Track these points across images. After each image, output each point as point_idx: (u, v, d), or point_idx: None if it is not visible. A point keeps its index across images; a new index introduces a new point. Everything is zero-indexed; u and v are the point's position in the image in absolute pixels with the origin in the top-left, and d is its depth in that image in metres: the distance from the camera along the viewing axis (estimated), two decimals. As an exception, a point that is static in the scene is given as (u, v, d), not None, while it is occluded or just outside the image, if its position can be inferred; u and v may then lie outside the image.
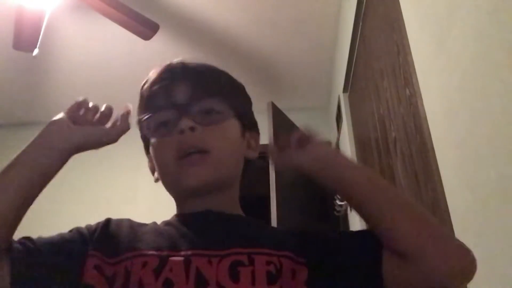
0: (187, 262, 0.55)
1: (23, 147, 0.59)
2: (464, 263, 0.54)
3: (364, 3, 1.90)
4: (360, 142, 2.29)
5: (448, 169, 1.01)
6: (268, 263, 0.56)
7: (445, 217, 1.00)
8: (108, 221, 0.64)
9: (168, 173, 0.65)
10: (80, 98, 0.64)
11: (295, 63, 2.99)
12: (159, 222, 0.67)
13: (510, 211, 0.73)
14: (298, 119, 2.83)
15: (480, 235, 0.84)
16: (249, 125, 0.72)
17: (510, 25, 0.71)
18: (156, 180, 0.69)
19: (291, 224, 2.21)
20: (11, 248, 0.55)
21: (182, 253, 0.57)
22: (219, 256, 0.56)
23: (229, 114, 0.67)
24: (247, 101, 0.75)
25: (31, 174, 0.57)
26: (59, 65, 2.93)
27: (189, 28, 2.65)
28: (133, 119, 0.68)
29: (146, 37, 2.31)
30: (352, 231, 0.69)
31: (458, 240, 0.57)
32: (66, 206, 3.12)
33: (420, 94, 1.16)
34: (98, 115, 0.64)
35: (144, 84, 0.70)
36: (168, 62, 0.71)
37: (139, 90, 0.71)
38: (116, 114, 0.65)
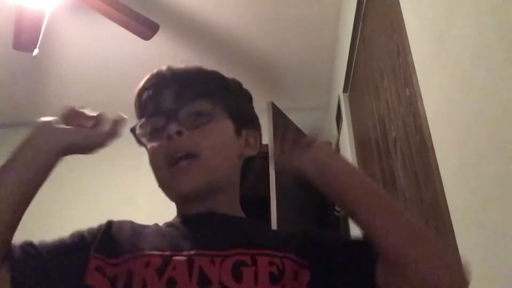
0: (190, 261, 0.55)
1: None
2: (455, 279, 0.53)
3: (364, 3, 1.90)
4: (360, 142, 2.29)
5: (448, 169, 1.01)
6: (271, 264, 0.56)
7: (445, 217, 1.00)
8: (109, 223, 0.64)
9: (161, 180, 0.65)
10: (76, 107, 0.63)
11: (295, 63, 2.99)
12: (159, 222, 0.67)
13: (510, 211, 0.73)
14: (298, 119, 2.83)
15: (480, 235, 0.84)
16: (246, 123, 0.71)
17: (510, 25, 0.71)
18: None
19: (291, 224, 2.21)
20: (11, 252, 0.55)
21: (185, 253, 0.57)
22: (221, 256, 0.56)
23: (218, 114, 0.66)
24: (243, 98, 0.74)
25: (21, 179, 0.56)
26: (59, 65, 2.93)
27: (189, 28, 2.65)
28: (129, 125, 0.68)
29: (146, 37, 2.31)
30: (349, 240, 0.67)
31: (453, 254, 0.56)
32: (66, 206, 3.12)
33: (420, 94, 1.16)
34: (91, 122, 0.63)
35: (137, 92, 0.70)
36: (157, 69, 0.70)
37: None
38: (109, 119, 0.64)
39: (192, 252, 0.57)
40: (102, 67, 2.98)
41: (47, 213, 3.12)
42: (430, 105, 1.11)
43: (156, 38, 2.34)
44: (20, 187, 0.56)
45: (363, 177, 0.63)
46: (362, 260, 0.57)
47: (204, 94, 0.67)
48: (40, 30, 2.14)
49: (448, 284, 0.52)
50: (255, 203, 2.82)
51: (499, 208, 0.77)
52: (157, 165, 0.65)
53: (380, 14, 1.67)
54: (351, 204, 0.58)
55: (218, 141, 0.66)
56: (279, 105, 2.58)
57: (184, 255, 0.56)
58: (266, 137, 2.56)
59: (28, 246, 0.57)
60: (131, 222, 0.65)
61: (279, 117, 2.53)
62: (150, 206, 2.65)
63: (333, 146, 2.82)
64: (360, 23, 2.01)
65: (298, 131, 2.82)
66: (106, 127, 0.62)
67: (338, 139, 2.84)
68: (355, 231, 2.76)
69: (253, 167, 0.74)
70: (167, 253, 0.57)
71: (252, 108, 0.76)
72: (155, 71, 0.70)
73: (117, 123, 0.62)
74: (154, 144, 0.65)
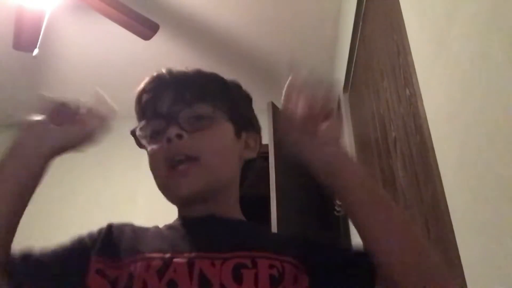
0: (190, 263, 0.55)
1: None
2: None
3: (364, 3, 1.90)
4: (360, 142, 2.29)
5: (448, 169, 1.00)
6: (271, 266, 0.56)
7: (445, 217, 1.00)
8: (110, 226, 0.64)
9: (161, 183, 0.65)
10: (59, 99, 0.61)
11: (295, 63, 2.99)
12: (160, 222, 0.67)
13: (510, 211, 0.73)
14: (298, 119, 2.83)
15: (480, 235, 0.84)
16: (246, 125, 0.71)
17: (510, 25, 0.71)
18: None
19: (291, 224, 2.20)
20: (10, 261, 0.55)
21: (186, 255, 0.57)
22: (222, 258, 0.56)
23: (218, 117, 0.66)
24: (243, 101, 0.74)
25: (13, 189, 0.56)
26: (59, 65, 2.93)
27: (189, 28, 2.65)
28: (120, 122, 0.68)
29: (146, 37, 2.31)
30: (350, 251, 0.66)
31: (448, 275, 0.56)
32: (66, 206, 3.12)
33: (420, 94, 1.16)
34: (80, 114, 0.61)
35: (137, 94, 0.70)
36: (157, 72, 0.70)
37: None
38: (97, 111, 0.63)
39: (192, 255, 0.57)
40: (102, 67, 2.98)
41: (47, 213, 3.12)
42: (430, 105, 1.11)
43: (156, 38, 2.34)
44: (13, 197, 0.55)
45: (372, 186, 0.60)
46: (362, 274, 0.57)
47: (204, 97, 0.66)
48: (40, 30, 2.14)
49: None
50: (255, 203, 2.82)
51: (499, 208, 0.77)
52: (157, 167, 0.64)
53: (380, 14, 1.67)
54: (358, 214, 0.56)
55: (218, 145, 0.66)
56: (279, 105, 2.57)
57: (185, 257, 0.56)
58: (266, 137, 2.57)
59: (28, 254, 0.57)
60: (132, 225, 0.65)
61: (279, 117, 2.53)
62: (150, 206, 2.65)
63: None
64: (360, 23, 2.01)
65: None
66: (94, 120, 0.61)
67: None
68: (355, 231, 2.76)
69: (252, 169, 0.73)
70: (168, 255, 0.57)
71: (252, 110, 0.76)
72: (155, 73, 0.70)
73: (107, 116, 0.62)
74: (154, 146, 0.65)
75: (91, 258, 0.58)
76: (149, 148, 0.66)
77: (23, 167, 0.57)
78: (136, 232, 0.63)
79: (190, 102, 0.65)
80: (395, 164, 1.51)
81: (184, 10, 2.51)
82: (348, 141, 2.47)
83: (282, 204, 2.17)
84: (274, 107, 2.50)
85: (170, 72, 0.70)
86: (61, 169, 3.63)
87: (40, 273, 0.56)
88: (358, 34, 2.07)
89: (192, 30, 2.67)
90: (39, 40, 2.18)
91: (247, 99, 0.75)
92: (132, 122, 0.72)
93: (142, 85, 0.70)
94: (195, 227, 0.63)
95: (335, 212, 2.63)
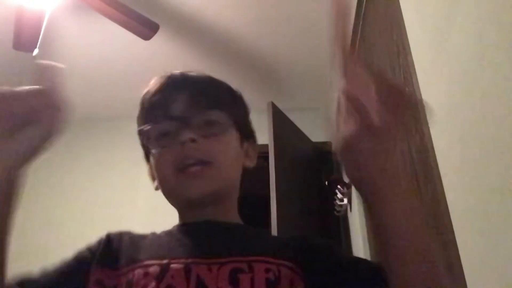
0: (187, 269, 0.56)
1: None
2: None
3: (364, 3, 1.90)
4: (360, 142, 2.29)
5: (448, 169, 1.01)
6: (267, 270, 0.57)
7: (445, 217, 1.00)
8: (108, 236, 0.64)
9: (168, 184, 0.65)
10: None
11: (295, 63, 3.00)
12: (159, 223, 0.68)
13: (510, 211, 0.73)
14: (298, 119, 2.83)
15: (480, 235, 0.84)
16: (247, 135, 0.73)
17: (510, 25, 0.71)
18: (157, 188, 0.69)
19: (291, 224, 2.20)
20: None
21: (182, 260, 0.57)
22: (218, 263, 0.57)
23: (228, 125, 0.67)
24: (245, 111, 0.76)
25: None
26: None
27: (189, 28, 2.65)
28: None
29: (146, 37, 2.31)
30: (360, 265, 0.62)
31: None
32: (66, 206, 3.12)
33: (420, 94, 1.16)
34: (25, 105, 0.49)
35: (146, 94, 0.70)
36: (168, 73, 0.70)
37: (139, 90, 0.72)
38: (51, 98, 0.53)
39: (189, 260, 0.57)
40: (102, 67, 2.98)
41: (47, 213, 3.12)
42: (430, 105, 1.11)
43: (156, 38, 2.34)
44: None
45: (423, 233, 0.49)
46: (361, 282, 0.57)
47: (217, 104, 0.68)
48: (40, 30, 2.14)
49: None
50: (255, 203, 2.82)
51: (499, 208, 0.77)
52: (166, 169, 0.64)
53: (380, 14, 1.67)
54: (393, 256, 0.48)
55: (229, 151, 0.67)
56: (279, 105, 2.58)
57: (182, 263, 0.57)
58: (266, 137, 2.56)
59: (27, 281, 0.56)
60: (129, 233, 0.66)
61: (279, 117, 2.53)
62: (150, 207, 2.65)
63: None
64: (360, 23, 2.01)
65: (299, 131, 2.82)
66: (48, 112, 0.51)
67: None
68: (355, 230, 2.76)
69: (250, 171, 0.74)
70: (165, 261, 0.57)
71: (251, 120, 0.77)
72: (166, 74, 0.70)
73: (59, 104, 0.52)
74: (164, 148, 0.65)
75: (91, 269, 0.59)
76: (157, 149, 0.66)
77: None
78: (134, 240, 0.64)
79: (204, 107, 0.66)
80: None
81: (184, 10, 2.51)
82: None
83: (282, 204, 2.17)
84: (274, 107, 2.50)
85: (183, 75, 0.70)
86: (61, 169, 3.62)
87: None
88: (358, 34, 2.07)
89: (192, 30, 2.67)
90: (39, 40, 2.18)
91: (248, 109, 0.77)
92: (133, 122, 0.72)
93: (153, 85, 0.70)
94: (192, 232, 0.64)
95: (335, 212, 2.63)
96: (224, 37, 2.73)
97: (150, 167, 0.70)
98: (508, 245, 0.74)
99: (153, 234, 0.66)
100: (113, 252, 0.61)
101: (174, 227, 0.68)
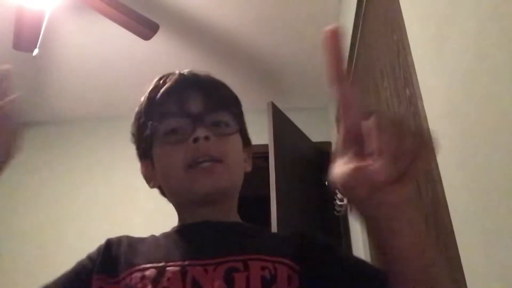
0: (183, 271, 0.56)
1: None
2: None
3: (364, 3, 1.90)
4: (360, 142, 2.29)
5: (448, 169, 1.01)
6: (263, 268, 0.57)
7: (445, 217, 1.00)
8: (108, 242, 0.65)
9: (176, 179, 0.65)
10: None
11: (295, 63, 2.99)
12: (159, 223, 0.68)
13: (510, 211, 0.73)
14: (298, 119, 2.83)
15: (480, 235, 0.84)
16: (246, 141, 0.74)
17: (510, 25, 0.71)
18: (152, 187, 0.69)
19: (291, 224, 2.21)
20: None
21: (179, 263, 0.58)
22: (214, 264, 0.57)
23: (235, 128, 0.69)
24: (243, 115, 0.77)
25: None
26: (59, 65, 2.93)
27: (189, 28, 2.65)
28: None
29: (146, 37, 2.31)
30: (360, 265, 0.62)
31: None
32: (66, 206, 3.12)
33: (420, 94, 1.16)
34: None
35: (153, 90, 0.69)
36: (176, 71, 0.70)
37: (139, 90, 0.71)
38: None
39: (186, 263, 0.58)
40: (102, 67, 2.98)
41: (47, 212, 3.12)
42: (430, 105, 1.11)
43: (156, 38, 2.34)
44: None
45: (428, 255, 0.46)
46: (359, 282, 0.57)
47: (227, 105, 0.70)
48: (40, 30, 2.14)
49: None
50: (255, 203, 2.81)
51: (499, 208, 0.77)
52: (175, 164, 0.64)
53: (380, 14, 1.67)
54: (399, 273, 0.46)
55: (237, 152, 0.69)
56: (279, 105, 2.58)
57: (178, 266, 0.57)
58: (266, 137, 2.56)
59: None
60: (127, 238, 0.66)
61: (279, 117, 2.53)
62: (150, 207, 2.65)
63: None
64: (360, 23, 2.01)
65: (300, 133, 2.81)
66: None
67: (338, 139, 2.83)
68: (355, 230, 2.75)
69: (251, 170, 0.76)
70: (161, 264, 0.58)
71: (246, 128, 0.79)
72: (176, 72, 0.70)
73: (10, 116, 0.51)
74: (173, 144, 0.65)
75: (93, 277, 0.59)
76: (164, 145, 0.66)
77: None
78: (132, 244, 0.64)
79: (216, 107, 0.68)
80: (395, 164, 1.51)
81: (184, 10, 2.51)
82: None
83: (282, 204, 2.17)
84: (274, 107, 2.50)
85: (194, 74, 0.71)
86: (61, 169, 3.62)
87: None
88: (358, 34, 2.07)
89: (192, 30, 2.67)
90: (39, 40, 2.18)
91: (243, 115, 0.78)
92: (130, 120, 0.72)
93: (163, 82, 0.69)
94: (190, 234, 0.64)
95: (335, 212, 2.63)
96: (224, 37, 2.73)
97: (145, 166, 0.70)
98: (508, 245, 0.74)
99: (152, 237, 0.66)
100: (112, 258, 0.61)
101: (172, 229, 0.68)
